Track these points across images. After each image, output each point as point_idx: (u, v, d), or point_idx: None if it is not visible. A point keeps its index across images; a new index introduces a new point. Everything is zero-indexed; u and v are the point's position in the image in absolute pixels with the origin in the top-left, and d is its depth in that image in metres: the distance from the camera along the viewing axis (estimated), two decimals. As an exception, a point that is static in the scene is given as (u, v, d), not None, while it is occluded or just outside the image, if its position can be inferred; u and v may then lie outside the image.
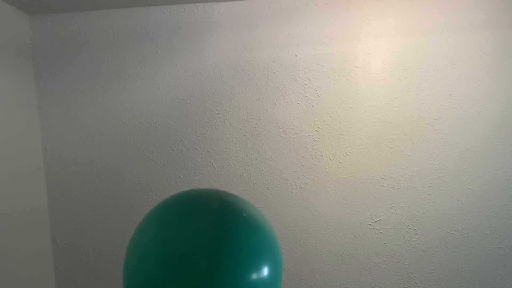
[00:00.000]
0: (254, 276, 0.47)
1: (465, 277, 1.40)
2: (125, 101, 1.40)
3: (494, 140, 1.38)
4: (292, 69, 1.39)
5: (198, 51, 1.40)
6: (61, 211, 1.41)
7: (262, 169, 1.40)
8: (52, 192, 1.40)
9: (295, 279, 1.42)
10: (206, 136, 1.40)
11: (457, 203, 1.39)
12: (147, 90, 1.40)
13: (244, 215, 0.53)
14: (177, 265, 0.45)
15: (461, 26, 1.37)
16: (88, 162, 1.40)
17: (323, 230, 1.41)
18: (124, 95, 1.40)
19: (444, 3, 1.37)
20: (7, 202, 1.19)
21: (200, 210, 0.52)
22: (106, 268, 1.41)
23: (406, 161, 1.39)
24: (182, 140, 1.40)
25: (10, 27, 1.28)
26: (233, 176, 1.40)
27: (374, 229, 1.40)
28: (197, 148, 1.40)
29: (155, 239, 0.49)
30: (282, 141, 1.40)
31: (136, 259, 0.50)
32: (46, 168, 1.40)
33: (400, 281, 1.41)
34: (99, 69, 1.40)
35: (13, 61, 1.28)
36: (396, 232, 1.40)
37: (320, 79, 1.39)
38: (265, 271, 0.49)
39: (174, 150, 1.40)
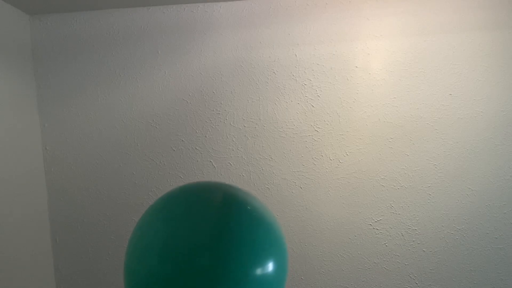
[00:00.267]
0: (259, 271, 0.46)
1: (465, 277, 1.40)
2: (125, 101, 1.40)
3: (494, 140, 1.38)
4: (292, 69, 1.39)
5: (198, 51, 1.40)
6: (61, 211, 1.41)
7: (262, 169, 1.40)
8: (52, 192, 1.40)
9: (295, 279, 1.41)
10: (206, 136, 1.40)
11: (457, 203, 1.39)
12: (147, 90, 1.40)
13: (249, 207, 0.51)
14: (180, 261, 0.44)
15: (461, 26, 1.37)
16: (88, 162, 1.40)
17: (323, 230, 1.41)
18: (124, 95, 1.40)
19: (444, 3, 1.37)
20: (7, 202, 1.19)
21: (203, 203, 0.50)
22: (106, 268, 1.41)
23: (406, 161, 1.39)
24: (182, 140, 1.40)
25: (10, 27, 1.28)
26: (233, 176, 1.40)
27: (374, 229, 1.40)
28: (197, 148, 1.40)
29: (157, 234, 0.47)
30: (282, 141, 1.40)
31: (137, 255, 0.48)
32: (46, 168, 1.40)
33: (400, 281, 1.41)
34: (99, 69, 1.40)
35: (13, 61, 1.28)
36: (396, 232, 1.40)
37: (320, 79, 1.39)
38: (271, 266, 0.47)
39: (174, 150, 1.40)
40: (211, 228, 0.46)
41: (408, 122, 1.38)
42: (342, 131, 1.39)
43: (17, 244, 1.23)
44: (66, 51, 1.39)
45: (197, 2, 1.37)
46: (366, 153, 1.39)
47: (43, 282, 1.35)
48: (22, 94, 1.31)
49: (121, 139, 1.40)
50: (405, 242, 1.40)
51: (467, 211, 1.39)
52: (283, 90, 1.39)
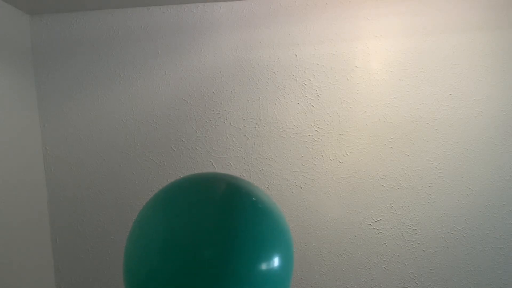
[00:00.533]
0: (265, 265, 0.43)
1: (465, 277, 1.40)
2: (125, 101, 1.40)
3: (494, 140, 1.38)
4: (292, 69, 1.39)
5: (198, 51, 1.40)
6: (61, 211, 1.41)
7: (262, 169, 1.40)
8: (52, 192, 1.40)
9: (295, 279, 1.41)
10: (206, 136, 1.40)
11: (457, 203, 1.39)
12: (147, 90, 1.40)
13: (254, 199, 0.48)
14: (182, 256, 0.41)
15: (461, 26, 1.37)
16: (88, 162, 1.40)
17: (323, 230, 1.41)
18: (124, 95, 1.40)
19: (444, 3, 1.37)
20: (7, 202, 1.19)
21: (205, 195, 0.47)
22: (106, 268, 1.41)
23: (406, 161, 1.39)
24: (182, 140, 1.40)
25: (10, 27, 1.28)
26: (233, 176, 1.40)
27: (374, 229, 1.40)
28: (197, 148, 1.40)
29: (157, 229, 0.45)
30: (282, 141, 1.40)
31: (137, 252, 0.45)
32: (46, 168, 1.40)
33: (400, 281, 1.41)
34: (99, 69, 1.40)
35: (13, 61, 1.28)
36: (396, 232, 1.40)
37: (320, 79, 1.39)
38: (277, 260, 0.44)
39: (174, 150, 1.40)
40: (214, 221, 0.43)
41: (408, 122, 1.38)
42: (342, 131, 1.39)
43: (17, 244, 1.23)
44: (66, 51, 1.39)
45: (197, 2, 1.37)
46: (366, 153, 1.39)
47: (43, 282, 1.35)
48: (22, 94, 1.31)
49: (121, 139, 1.40)
50: (405, 242, 1.40)
51: (467, 211, 1.39)
52: (283, 90, 1.39)
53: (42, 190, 1.39)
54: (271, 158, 1.40)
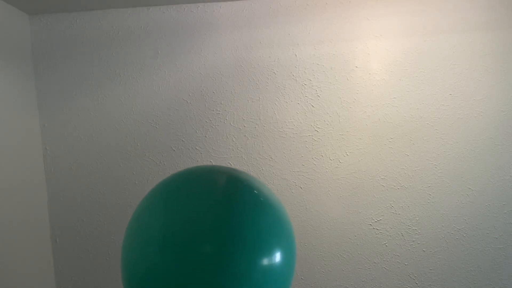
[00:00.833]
0: (266, 260, 0.41)
1: (465, 277, 1.40)
2: (125, 101, 1.40)
3: (494, 140, 1.38)
4: (292, 69, 1.39)
5: (198, 51, 1.40)
6: (61, 211, 1.41)
7: (262, 169, 1.40)
8: (52, 192, 1.40)
9: (295, 279, 1.41)
10: (206, 136, 1.40)
11: (457, 203, 1.39)
12: (147, 90, 1.40)
13: (255, 192, 0.46)
14: (181, 249, 0.39)
15: (461, 26, 1.37)
16: (88, 162, 1.40)
17: (323, 230, 1.41)
18: (124, 95, 1.40)
19: (444, 3, 1.37)
20: (7, 202, 1.19)
21: (205, 187, 0.45)
22: (106, 268, 1.41)
23: (406, 161, 1.39)
24: (182, 140, 1.40)
25: (10, 27, 1.27)
26: (233, 176, 1.40)
27: (374, 229, 1.40)
28: (197, 148, 1.40)
29: (156, 221, 0.42)
30: (282, 141, 1.40)
31: (135, 245, 0.43)
32: (46, 168, 1.40)
33: (400, 281, 1.41)
34: (99, 69, 1.40)
35: (13, 61, 1.28)
36: (396, 232, 1.40)
37: (320, 79, 1.39)
38: (278, 255, 0.43)
39: (174, 150, 1.40)
40: (214, 214, 0.42)
41: (408, 122, 1.38)
42: (342, 131, 1.39)
43: (17, 244, 1.23)
44: (66, 51, 1.39)
45: (197, 2, 1.37)
46: (366, 153, 1.39)
47: (43, 282, 1.35)
48: (22, 94, 1.31)
49: (121, 139, 1.40)
50: (405, 242, 1.40)
51: (467, 211, 1.39)
52: (283, 90, 1.39)
53: (42, 190, 1.39)
54: (271, 158, 1.40)
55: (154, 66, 1.40)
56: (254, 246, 0.41)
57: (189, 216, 0.41)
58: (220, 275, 0.38)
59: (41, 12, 1.37)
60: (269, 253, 0.42)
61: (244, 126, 1.40)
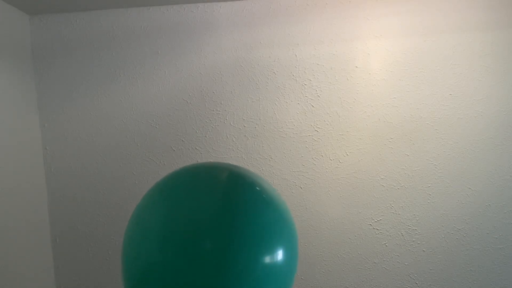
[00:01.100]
0: (268, 257, 0.40)
1: (465, 277, 1.40)
2: (125, 101, 1.40)
3: (494, 140, 1.38)
4: (292, 69, 1.39)
5: (198, 51, 1.40)
6: (61, 211, 1.41)
7: (262, 169, 1.40)
8: (52, 192, 1.40)
9: (295, 279, 1.41)
10: (206, 136, 1.40)
11: (457, 203, 1.39)
12: (147, 90, 1.40)
13: (258, 188, 0.45)
14: (181, 246, 0.38)
15: (461, 26, 1.37)
16: (88, 162, 1.40)
17: (323, 230, 1.41)
18: (124, 95, 1.40)
19: (444, 3, 1.37)
20: (7, 202, 1.19)
21: (206, 183, 0.44)
22: (106, 268, 1.41)
23: (406, 161, 1.39)
24: (182, 140, 1.40)
25: (10, 27, 1.27)
26: (233, 176, 1.40)
27: (374, 229, 1.40)
28: (197, 148, 1.40)
29: (156, 218, 0.42)
30: (282, 141, 1.40)
31: (135, 242, 0.43)
32: (46, 168, 1.40)
33: (400, 281, 1.41)
34: (99, 69, 1.40)
35: (13, 61, 1.28)
36: (396, 232, 1.40)
37: (320, 79, 1.39)
38: (280, 252, 0.42)
39: (174, 150, 1.40)
40: (215, 210, 0.41)
41: (408, 122, 1.38)
42: (342, 131, 1.39)
43: (17, 244, 1.23)
44: (66, 51, 1.39)
45: (197, 2, 1.37)
46: (366, 153, 1.39)
47: (43, 282, 1.35)
48: (22, 94, 1.31)
49: (121, 139, 1.40)
50: (405, 242, 1.40)
51: (467, 211, 1.39)
52: (283, 90, 1.39)
53: (42, 190, 1.39)
54: (271, 158, 1.40)
55: (154, 66, 1.40)
56: (256, 243, 0.40)
57: (190, 213, 0.41)
58: (221, 273, 0.38)
59: (41, 12, 1.37)
60: (271, 250, 0.41)
61: (244, 126, 1.40)
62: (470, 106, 1.38)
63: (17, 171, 1.25)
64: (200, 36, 1.39)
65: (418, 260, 1.40)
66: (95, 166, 1.40)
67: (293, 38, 1.38)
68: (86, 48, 1.39)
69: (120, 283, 1.41)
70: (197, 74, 1.40)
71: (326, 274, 1.41)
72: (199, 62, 1.40)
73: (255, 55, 1.39)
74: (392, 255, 1.41)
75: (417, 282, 1.41)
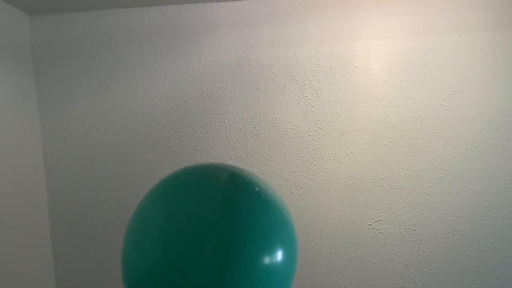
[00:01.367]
0: (268, 258, 0.41)
1: (465, 277, 1.40)
2: (125, 101, 1.40)
3: (494, 140, 1.38)
4: (292, 69, 1.39)
5: (198, 51, 1.40)
6: (61, 211, 1.41)
7: (262, 169, 1.40)
8: (52, 192, 1.40)
9: (295, 279, 1.41)
10: (206, 136, 1.40)
11: (457, 203, 1.39)
12: (147, 90, 1.40)
13: (257, 189, 0.45)
14: (181, 247, 0.38)
15: (461, 26, 1.37)
16: (88, 162, 1.40)
17: (323, 230, 1.41)
18: (124, 95, 1.40)
19: (444, 3, 1.37)
20: (7, 202, 1.19)
21: (206, 184, 0.44)
22: (106, 268, 1.41)
23: (406, 161, 1.39)
24: (182, 140, 1.40)
25: (10, 27, 1.27)
26: (233, 176, 1.40)
27: (374, 229, 1.40)
28: (197, 148, 1.40)
29: (156, 219, 0.42)
30: (282, 141, 1.40)
31: (135, 242, 0.43)
32: (46, 168, 1.40)
33: (400, 281, 1.41)
34: (99, 69, 1.40)
35: (13, 61, 1.28)
36: (396, 232, 1.40)
37: (320, 79, 1.39)
38: (280, 253, 0.42)
39: (174, 150, 1.40)
40: (216, 211, 0.41)
41: (408, 122, 1.38)
42: (342, 131, 1.39)
43: (17, 244, 1.23)
44: (66, 51, 1.39)
45: (197, 2, 1.37)
46: (366, 153, 1.39)
47: (43, 282, 1.35)
48: (22, 94, 1.31)
49: (121, 139, 1.40)
50: (405, 242, 1.40)
51: (467, 211, 1.39)
52: (283, 90, 1.39)
53: (42, 190, 1.39)
54: (271, 158, 1.40)
55: (154, 66, 1.40)
56: (256, 244, 0.40)
57: (190, 214, 0.41)
58: (221, 273, 0.38)
59: (41, 12, 1.37)
60: (271, 250, 0.41)
61: (244, 126, 1.40)
62: (470, 106, 1.38)
63: (17, 171, 1.25)
64: (200, 36, 1.39)
65: (418, 260, 1.40)
66: (95, 166, 1.40)
67: (293, 38, 1.38)
68: (86, 48, 1.39)
69: (120, 283, 1.41)
70: (197, 74, 1.40)
71: (326, 274, 1.41)
72: (199, 62, 1.40)
73: (255, 55, 1.39)
74: (392, 255, 1.41)
75: (417, 282, 1.41)
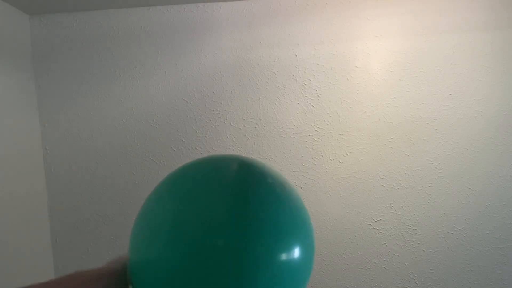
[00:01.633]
0: (284, 255, 0.38)
1: (465, 277, 1.40)
2: (125, 101, 1.40)
3: (494, 140, 1.38)
4: (292, 69, 1.39)
5: (198, 51, 1.40)
6: (61, 211, 1.41)
7: (262, 169, 1.40)
8: (52, 192, 1.40)
9: (295, 279, 1.41)
10: (206, 136, 1.40)
11: (457, 203, 1.39)
12: (147, 90, 1.40)
13: (269, 180, 0.43)
14: (191, 243, 0.36)
15: (461, 26, 1.37)
16: (88, 162, 1.40)
17: (323, 230, 1.41)
18: (124, 95, 1.40)
19: (444, 3, 1.37)
20: (7, 202, 1.19)
21: (217, 175, 0.42)
22: (106, 268, 1.41)
23: (406, 161, 1.39)
24: (182, 140, 1.40)
25: (10, 27, 1.27)
26: (233, 176, 1.40)
27: (374, 229, 1.40)
28: (197, 148, 1.40)
29: (165, 214, 0.40)
30: (282, 141, 1.40)
31: (143, 239, 0.41)
32: (46, 168, 1.40)
33: (400, 281, 1.41)
34: (99, 69, 1.40)
35: (13, 61, 1.28)
36: (396, 232, 1.40)
37: (320, 79, 1.39)
38: (297, 249, 0.39)
39: (174, 150, 1.40)
40: (227, 204, 0.38)
41: (408, 122, 1.38)
42: (342, 131, 1.39)
43: (17, 244, 1.23)
44: (66, 51, 1.39)
45: (197, 2, 1.37)
46: (366, 153, 1.39)
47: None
48: (22, 94, 1.31)
49: (121, 139, 1.40)
50: (405, 242, 1.40)
51: (467, 211, 1.39)
52: (283, 90, 1.39)
53: (42, 190, 1.39)
54: (271, 158, 1.40)
55: (154, 66, 1.40)
56: (271, 239, 0.38)
57: (201, 207, 0.38)
58: (234, 270, 0.36)
59: (41, 12, 1.37)
60: (287, 246, 0.39)
61: (244, 126, 1.40)
62: (470, 106, 1.38)
63: (17, 171, 1.25)
64: (200, 36, 1.39)
65: (418, 260, 1.40)
66: (95, 166, 1.40)
67: (293, 38, 1.38)
68: (86, 48, 1.39)
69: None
70: (197, 74, 1.40)
71: (326, 274, 1.41)
72: (199, 62, 1.40)
73: (255, 55, 1.39)
74: (392, 255, 1.41)
75: (417, 282, 1.41)
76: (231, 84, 1.39)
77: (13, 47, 1.29)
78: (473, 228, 1.40)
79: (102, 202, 1.41)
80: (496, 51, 1.37)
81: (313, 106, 1.39)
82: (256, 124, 1.40)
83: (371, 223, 1.40)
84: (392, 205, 1.40)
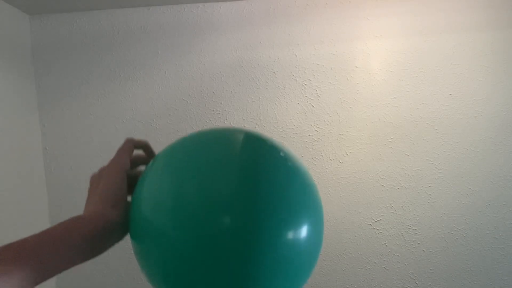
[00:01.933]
0: (294, 233, 0.35)
1: (465, 277, 1.40)
2: (125, 101, 1.40)
3: (494, 140, 1.38)
4: (292, 69, 1.39)
5: (198, 51, 1.39)
6: (61, 211, 1.41)
7: (262, 169, 1.40)
8: (52, 192, 1.40)
9: (295, 279, 1.41)
10: (206, 136, 1.40)
11: (457, 203, 1.39)
12: (147, 90, 1.40)
13: (282, 154, 0.39)
14: (196, 224, 0.33)
15: (461, 26, 1.37)
16: (88, 162, 1.40)
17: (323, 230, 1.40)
18: (124, 95, 1.40)
19: (444, 3, 1.37)
20: (7, 202, 1.19)
21: (223, 148, 0.38)
22: (106, 268, 1.41)
23: (406, 161, 1.39)
24: (182, 140, 1.40)
25: (10, 27, 1.27)
26: (233, 176, 1.40)
27: (374, 229, 1.40)
28: (197, 148, 1.40)
29: (165, 190, 0.36)
30: (282, 141, 1.40)
31: (140, 217, 0.38)
32: (46, 168, 1.40)
33: (400, 281, 1.41)
34: (99, 69, 1.40)
35: (13, 61, 1.28)
36: (396, 232, 1.40)
37: (320, 79, 1.39)
38: (308, 227, 0.36)
39: (174, 150, 1.40)
40: (234, 179, 0.35)
41: (408, 122, 1.38)
42: (342, 131, 1.39)
43: (17, 244, 1.22)
44: (66, 51, 1.39)
45: (197, 2, 1.37)
46: (366, 153, 1.39)
47: (43, 283, 1.35)
48: (22, 94, 1.31)
49: (121, 139, 1.40)
50: (405, 242, 1.40)
51: (467, 211, 1.39)
52: (283, 90, 1.39)
53: (42, 190, 1.39)
54: (271, 158, 1.40)
55: (154, 66, 1.40)
56: (282, 218, 0.35)
57: (205, 184, 0.35)
58: (242, 250, 0.33)
59: (41, 12, 1.37)
60: (298, 225, 0.36)
61: (244, 126, 1.40)
62: (470, 106, 1.38)
63: (17, 171, 1.25)
64: (200, 36, 1.39)
65: (418, 260, 1.40)
66: (95, 166, 1.40)
67: (293, 38, 1.38)
68: (86, 48, 1.39)
69: (120, 283, 1.41)
70: (197, 74, 1.40)
71: (326, 274, 1.41)
72: (199, 62, 1.40)
73: (255, 55, 1.39)
74: (392, 255, 1.41)
75: (417, 282, 1.41)
76: (231, 84, 1.39)
77: (13, 47, 1.29)
78: (473, 228, 1.40)
79: (102, 202, 1.40)
80: (496, 51, 1.37)
81: (313, 106, 1.39)
82: (256, 124, 1.40)
83: (371, 223, 1.40)
84: (392, 205, 1.40)
